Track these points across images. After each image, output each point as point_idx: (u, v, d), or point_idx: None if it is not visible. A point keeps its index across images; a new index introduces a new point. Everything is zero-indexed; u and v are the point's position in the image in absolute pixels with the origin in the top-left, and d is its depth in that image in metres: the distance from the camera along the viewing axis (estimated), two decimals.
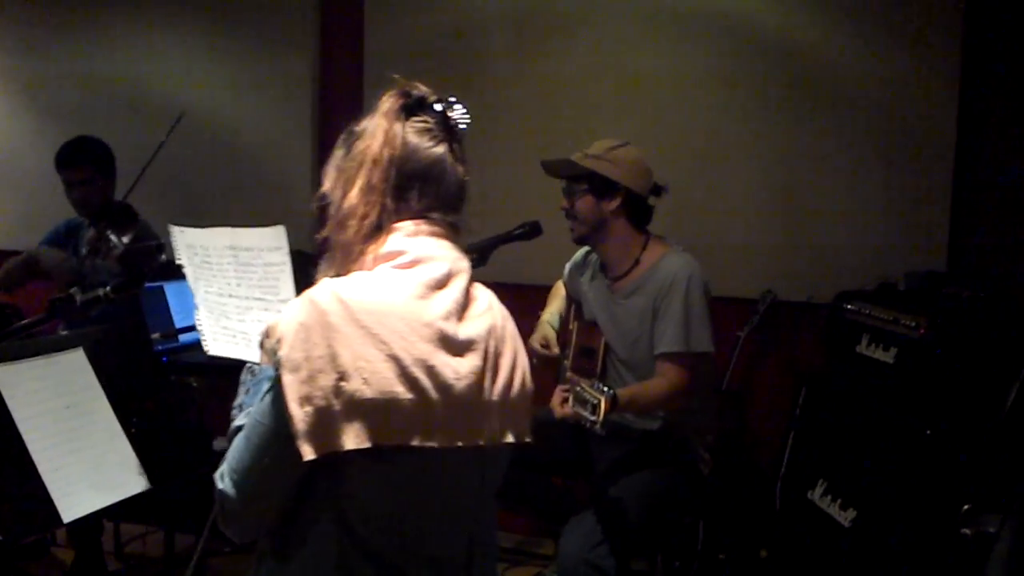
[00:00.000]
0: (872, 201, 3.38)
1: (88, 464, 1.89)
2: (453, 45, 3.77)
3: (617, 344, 2.78)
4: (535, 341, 2.93)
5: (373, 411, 1.26)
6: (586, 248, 2.93)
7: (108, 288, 1.51)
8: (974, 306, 2.67)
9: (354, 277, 1.35)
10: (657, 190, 2.74)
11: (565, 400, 2.49)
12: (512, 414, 1.45)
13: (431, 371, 1.30)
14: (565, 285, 3.07)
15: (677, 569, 3.15)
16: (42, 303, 1.94)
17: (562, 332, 2.99)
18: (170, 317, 3.14)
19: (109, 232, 3.08)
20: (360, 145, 1.42)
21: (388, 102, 1.43)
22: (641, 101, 3.59)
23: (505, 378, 1.43)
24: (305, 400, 1.24)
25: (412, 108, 1.43)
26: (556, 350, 2.91)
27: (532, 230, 2.62)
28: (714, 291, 2.82)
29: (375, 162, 1.39)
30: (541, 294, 3.16)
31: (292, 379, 1.25)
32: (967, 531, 1.70)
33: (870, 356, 2.78)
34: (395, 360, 1.27)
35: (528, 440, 1.50)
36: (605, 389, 2.39)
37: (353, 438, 1.25)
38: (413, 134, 1.42)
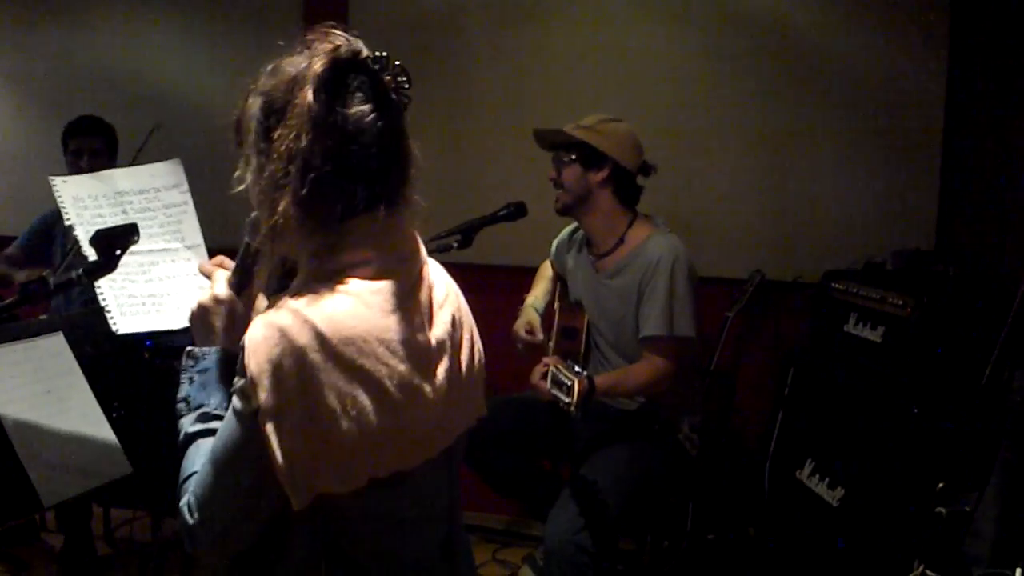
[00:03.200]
0: (860, 180, 3.37)
1: (68, 449, 1.88)
2: (438, 25, 3.73)
3: (601, 324, 2.77)
4: (519, 327, 2.91)
5: (363, 450, 1.18)
6: (573, 225, 2.92)
7: (81, 271, 1.48)
8: (961, 284, 2.66)
9: (321, 297, 1.19)
10: (646, 168, 2.73)
11: (544, 375, 2.49)
12: (473, 398, 1.41)
13: (413, 392, 1.23)
14: (552, 264, 3.06)
15: (666, 549, 3.16)
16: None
17: (547, 313, 2.98)
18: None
19: None
20: (285, 134, 1.18)
21: (316, 67, 1.19)
22: (628, 80, 3.56)
23: (467, 366, 1.37)
24: (289, 450, 1.15)
25: (344, 71, 1.20)
26: (540, 336, 2.90)
27: (517, 211, 2.59)
28: (702, 271, 2.81)
29: (307, 163, 1.17)
30: (527, 275, 3.15)
31: (273, 427, 1.14)
32: (942, 509, 1.69)
33: (858, 335, 2.77)
34: (380, 389, 1.19)
35: (485, 415, 1.45)
36: (580, 371, 2.38)
37: (345, 481, 1.19)
38: (351, 112, 1.19)
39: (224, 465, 1.21)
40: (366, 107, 1.20)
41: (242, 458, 1.19)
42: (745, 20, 3.43)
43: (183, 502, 1.25)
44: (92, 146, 3.41)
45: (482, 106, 3.70)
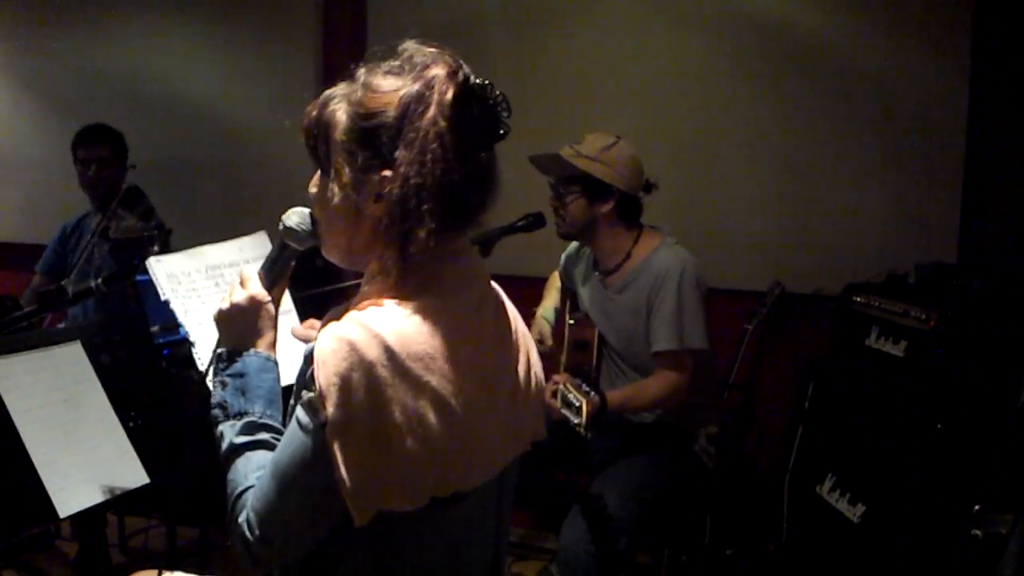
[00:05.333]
0: (882, 192, 3.34)
1: (85, 458, 1.87)
2: (456, 35, 3.70)
3: (612, 339, 2.75)
4: (530, 336, 2.89)
5: (426, 469, 1.17)
6: None
7: (100, 279, 1.49)
8: (984, 298, 2.63)
9: (390, 311, 1.18)
10: (648, 187, 2.70)
11: (554, 394, 2.48)
12: (532, 420, 1.40)
13: (479, 412, 1.22)
14: (560, 276, 3.04)
15: (683, 563, 3.12)
16: None
17: (558, 326, 2.96)
18: (171, 309, 3.11)
19: (119, 209, 3.14)
20: (411, 157, 1.15)
21: (442, 90, 1.17)
22: (647, 92, 3.54)
23: (524, 387, 1.36)
24: (354, 465, 1.13)
25: (467, 98, 1.20)
26: (550, 342, 2.88)
27: (535, 222, 2.58)
28: (721, 283, 2.77)
29: (445, 186, 1.15)
30: (542, 285, 3.13)
31: (340, 442, 1.13)
32: (978, 532, 1.66)
33: (879, 349, 2.74)
34: (446, 409, 1.17)
35: (545, 437, 1.43)
36: (589, 391, 2.36)
37: (407, 499, 1.17)
38: (470, 141, 1.20)
39: (289, 481, 1.18)
40: (481, 137, 1.22)
41: (308, 474, 1.16)
42: (765, 30, 3.40)
43: (242, 518, 1.21)
44: (99, 155, 3.47)
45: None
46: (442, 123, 1.16)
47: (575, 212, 2.65)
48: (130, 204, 3.26)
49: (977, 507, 1.68)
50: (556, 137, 2.75)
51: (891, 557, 2.45)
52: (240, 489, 1.24)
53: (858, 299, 2.89)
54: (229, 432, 1.28)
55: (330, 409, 1.13)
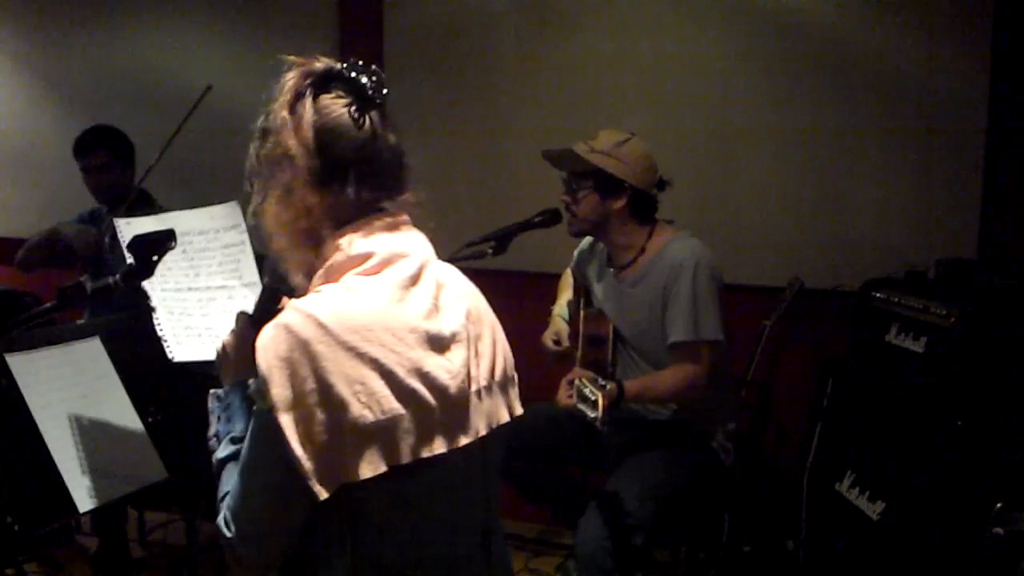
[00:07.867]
0: (901, 187, 3.31)
1: (104, 454, 1.88)
2: (473, 32, 3.73)
3: (628, 334, 2.74)
4: (547, 338, 2.88)
5: (379, 434, 1.21)
6: None
7: (118, 276, 1.50)
8: (1005, 294, 2.60)
9: (324, 294, 1.26)
10: (662, 184, 2.68)
11: (570, 395, 2.47)
12: (502, 392, 1.43)
13: (426, 377, 1.26)
14: (573, 273, 3.03)
15: (701, 561, 3.12)
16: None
17: (572, 322, 2.95)
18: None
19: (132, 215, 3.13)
20: (270, 143, 1.30)
21: (289, 83, 1.30)
22: (663, 86, 3.53)
23: (488, 359, 1.40)
24: (307, 440, 1.18)
25: (320, 84, 1.30)
26: (566, 343, 2.86)
27: (552, 218, 2.58)
28: (740, 279, 2.76)
29: (289, 159, 1.27)
30: (558, 281, 3.12)
31: (288, 420, 1.17)
32: (999, 530, 1.65)
33: (899, 345, 2.72)
34: (390, 375, 1.22)
35: (521, 413, 1.47)
36: (605, 385, 2.36)
37: (366, 466, 1.21)
38: (329, 113, 1.29)
39: (252, 472, 1.24)
40: (342, 104, 1.30)
41: (265, 458, 1.22)
42: (782, 22, 3.38)
43: (220, 519, 1.27)
44: (96, 162, 3.46)
45: (517, 113, 3.69)
46: (284, 105, 1.29)
47: (587, 208, 2.64)
48: (136, 211, 3.25)
49: (998, 505, 1.67)
50: (571, 135, 2.75)
51: (911, 555, 2.43)
52: (221, 495, 1.30)
53: (877, 295, 2.87)
54: (218, 453, 1.37)
55: (275, 391, 1.18)
